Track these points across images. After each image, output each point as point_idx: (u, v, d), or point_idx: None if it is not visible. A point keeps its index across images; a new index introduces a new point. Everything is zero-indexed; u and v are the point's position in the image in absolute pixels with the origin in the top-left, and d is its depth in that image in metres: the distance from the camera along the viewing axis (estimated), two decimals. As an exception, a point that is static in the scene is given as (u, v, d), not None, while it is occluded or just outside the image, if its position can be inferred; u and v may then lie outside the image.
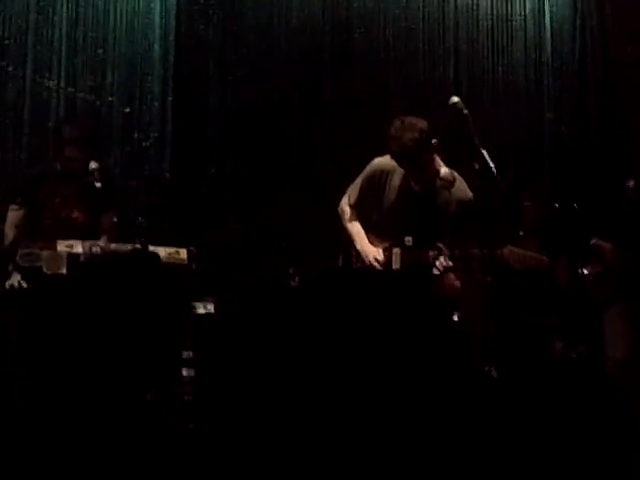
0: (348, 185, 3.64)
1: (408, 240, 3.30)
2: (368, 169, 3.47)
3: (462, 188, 3.33)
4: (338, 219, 3.61)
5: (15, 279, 3.22)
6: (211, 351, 3.72)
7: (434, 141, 3.24)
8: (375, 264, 3.38)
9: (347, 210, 3.55)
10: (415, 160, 3.20)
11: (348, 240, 3.53)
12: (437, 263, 3.25)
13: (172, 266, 3.07)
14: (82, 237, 3.24)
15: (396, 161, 3.28)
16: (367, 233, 3.50)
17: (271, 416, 2.67)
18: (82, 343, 1.49)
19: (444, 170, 3.32)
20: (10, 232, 3.57)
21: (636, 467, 3.10)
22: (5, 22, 4.28)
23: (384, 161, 3.41)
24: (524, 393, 3.18)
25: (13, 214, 3.59)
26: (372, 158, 3.53)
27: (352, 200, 3.54)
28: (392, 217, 3.41)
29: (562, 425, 3.22)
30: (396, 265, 3.33)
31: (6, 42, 4.30)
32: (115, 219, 3.87)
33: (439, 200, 3.31)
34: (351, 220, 3.52)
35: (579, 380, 3.65)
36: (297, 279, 4.32)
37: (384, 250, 3.40)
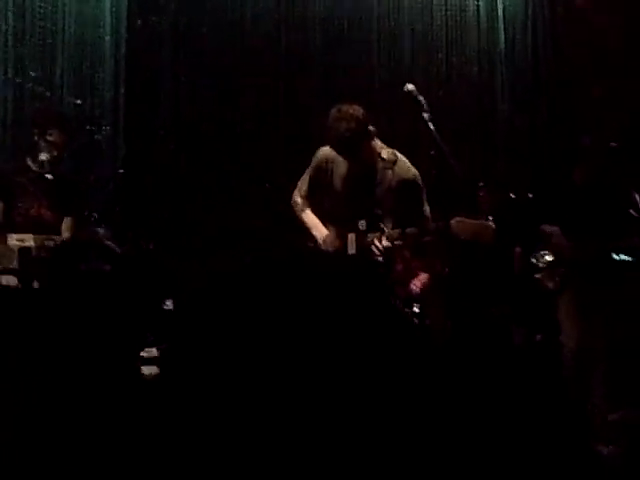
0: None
1: (362, 224, 3.31)
2: (314, 159, 3.49)
3: (404, 167, 3.37)
4: (292, 212, 3.61)
5: None
6: (174, 348, 3.68)
7: (371, 128, 3.25)
8: (330, 246, 3.38)
9: (299, 201, 3.55)
10: (353, 148, 3.21)
11: (304, 230, 3.53)
12: (373, 247, 3.26)
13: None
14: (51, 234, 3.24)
15: (334, 150, 3.29)
16: (321, 220, 3.51)
17: (235, 411, 2.64)
18: (38, 341, 1.43)
19: (385, 151, 3.34)
20: None
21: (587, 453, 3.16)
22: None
23: (328, 150, 3.42)
24: (485, 381, 3.22)
25: None
26: None
27: (303, 191, 3.55)
28: (341, 203, 3.42)
29: (520, 414, 3.26)
30: (352, 250, 3.32)
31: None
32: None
33: (382, 180, 3.33)
34: (304, 210, 3.53)
35: (538, 368, 3.71)
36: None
37: (338, 236, 3.40)
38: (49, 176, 3.37)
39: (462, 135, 5.31)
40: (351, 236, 3.34)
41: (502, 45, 5.44)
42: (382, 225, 3.31)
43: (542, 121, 5.41)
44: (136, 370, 3.28)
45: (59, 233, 3.43)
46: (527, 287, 4.21)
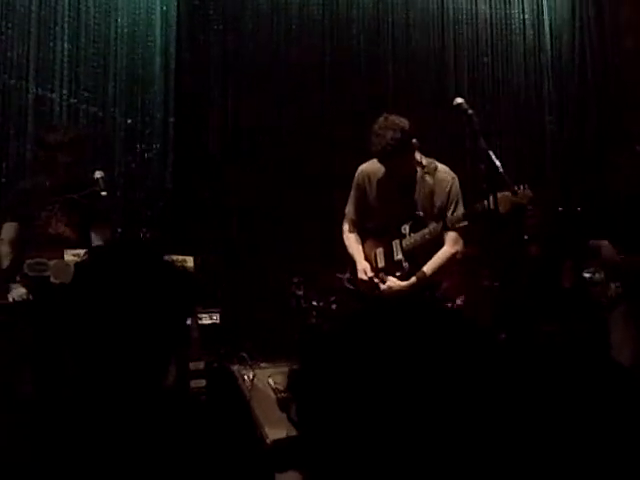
0: (349, 193, 3.67)
1: (404, 228, 3.37)
2: (356, 177, 3.55)
3: (444, 170, 3.42)
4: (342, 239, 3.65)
5: (18, 292, 3.22)
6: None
7: (414, 141, 3.29)
8: (363, 276, 3.43)
9: (346, 228, 3.61)
10: (396, 157, 3.25)
11: (348, 254, 3.59)
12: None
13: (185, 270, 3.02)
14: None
15: (377, 158, 3.33)
16: (369, 238, 3.56)
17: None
18: (88, 351, 1.43)
19: (425, 160, 3.39)
20: (4, 248, 3.49)
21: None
22: (7, 35, 4.28)
23: (367, 166, 3.50)
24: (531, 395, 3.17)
25: (6, 228, 3.51)
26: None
27: (351, 214, 3.59)
28: (383, 212, 3.47)
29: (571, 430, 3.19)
30: (398, 255, 3.38)
31: (8, 55, 4.29)
32: (120, 229, 3.84)
33: (422, 186, 3.37)
34: (349, 237, 3.59)
35: (586, 386, 3.62)
36: (302, 288, 4.32)
37: (384, 247, 3.45)
38: (104, 193, 3.34)
39: (510, 149, 5.27)
40: (395, 242, 3.40)
41: (548, 57, 5.38)
42: (405, 231, 3.36)
43: (590, 132, 5.33)
44: (185, 383, 3.33)
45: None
46: (577, 301, 4.13)
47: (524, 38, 5.40)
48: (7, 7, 4.27)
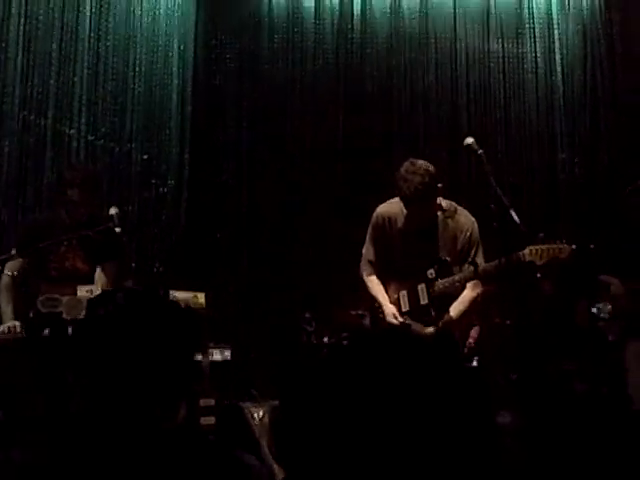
0: (363, 230, 3.66)
1: (431, 273, 3.34)
2: (373, 219, 3.53)
3: (464, 214, 3.43)
4: (361, 280, 3.61)
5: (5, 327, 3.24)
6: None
7: (440, 185, 3.31)
8: (393, 321, 3.41)
9: (365, 270, 3.57)
10: (422, 202, 3.26)
11: (374, 301, 3.55)
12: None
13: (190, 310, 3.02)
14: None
15: (404, 202, 3.33)
16: (389, 279, 3.52)
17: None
18: (97, 386, 1.44)
19: (445, 203, 3.40)
20: (5, 278, 3.50)
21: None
22: (27, 71, 4.36)
23: (385, 207, 3.49)
24: (548, 438, 3.13)
25: (11, 263, 3.49)
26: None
27: (370, 255, 3.56)
28: (405, 256, 3.45)
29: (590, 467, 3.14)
30: (424, 300, 3.35)
31: (28, 91, 4.37)
32: (133, 264, 3.87)
33: (444, 229, 3.37)
34: (371, 280, 3.55)
35: (604, 422, 3.57)
36: (313, 324, 4.31)
37: (409, 291, 3.42)
38: (118, 229, 3.34)
39: (522, 187, 5.27)
40: (421, 287, 3.37)
41: (560, 94, 5.40)
42: (432, 275, 3.34)
43: (603, 169, 5.32)
44: (194, 420, 3.31)
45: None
46: (590, 339, 4.09)
47: (536, 75, 5.42)
48: (29, 44, 4.36)
